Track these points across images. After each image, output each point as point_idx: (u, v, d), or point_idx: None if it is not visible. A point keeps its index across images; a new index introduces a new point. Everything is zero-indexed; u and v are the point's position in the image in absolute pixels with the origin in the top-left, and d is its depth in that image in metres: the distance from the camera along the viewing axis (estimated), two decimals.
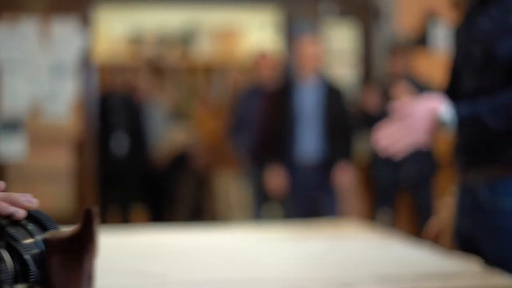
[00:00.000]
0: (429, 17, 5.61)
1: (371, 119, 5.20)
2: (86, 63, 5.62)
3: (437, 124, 1.86)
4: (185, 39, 8.30)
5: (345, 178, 4.85)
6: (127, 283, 1.52)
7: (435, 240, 2.85)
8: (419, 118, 1.86)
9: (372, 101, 5.16)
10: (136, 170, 6.06)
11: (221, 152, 6.21)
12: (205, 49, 8.25)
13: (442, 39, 5.56)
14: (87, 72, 5.64)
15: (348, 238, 2.14)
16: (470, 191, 2.00)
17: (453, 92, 2.08)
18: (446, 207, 2.75)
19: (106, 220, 5.58)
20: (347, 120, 4.97)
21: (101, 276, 0.97)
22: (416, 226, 5.13)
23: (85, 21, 5.61)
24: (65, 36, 5.53)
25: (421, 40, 5.57)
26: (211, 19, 8.43)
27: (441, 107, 1.86)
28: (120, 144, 5.93)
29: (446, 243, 2.60)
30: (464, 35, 2.05)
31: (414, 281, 1.49)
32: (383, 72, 5.55)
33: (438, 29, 5.60)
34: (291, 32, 5.68)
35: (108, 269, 1.56)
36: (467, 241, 2.08)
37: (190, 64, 8.20)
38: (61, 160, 5.60)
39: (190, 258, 1.84)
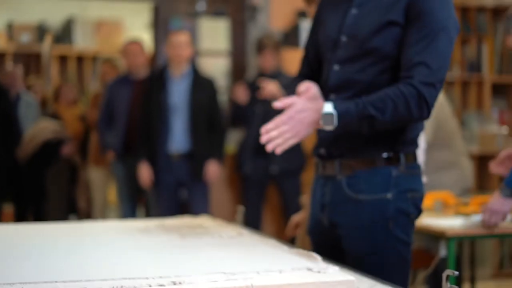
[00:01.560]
0: (299, 15, 5.67)
1: (240, 112, 5.21)
2: None
3: (319, 120, 1.87)
4: (61, 29, 8.17)
5: (214, 170, 4.82)
6: None
7: (293, 236, 2.88)
8: (304, 114, 1.87)
9: (240, 94, 5.15)
10: (2, 164, 5.73)
11: (87, 145, 6.03)
12: (80, 40, 8.12)
13: None
14: None
15: (193, 234, 2.10)
16: (333, 183, 2.02)
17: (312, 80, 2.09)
18: (306, 205, 2.78)
19: None
20: (218, 113, 4.92)
21: None
22: (283, 221, 5.17)
23: None
24: None
25: (292, 37, 5.62)
26: (88, 10, 8.37)
27: (325, 104, 1.87)
28: None
29: (303, 241, 2.62)
30: (332, 27, 2.04)
31: (245, 277, 1.46)
32: (255, 67, 5.56)
33: (307, 27, 5.66)
34: (166, 26, 5.57)
35: None
36: (325, 234, 2.09)
37: (63, 53, 8.06)
38: None
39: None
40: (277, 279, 1.49)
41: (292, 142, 1.87)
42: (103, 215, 6.04)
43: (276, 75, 5.12)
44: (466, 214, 3.04)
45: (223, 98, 5.38)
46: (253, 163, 5.12)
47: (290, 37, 5.62)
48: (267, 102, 5.04)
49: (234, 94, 5.23)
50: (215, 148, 4.84)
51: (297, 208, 5.09)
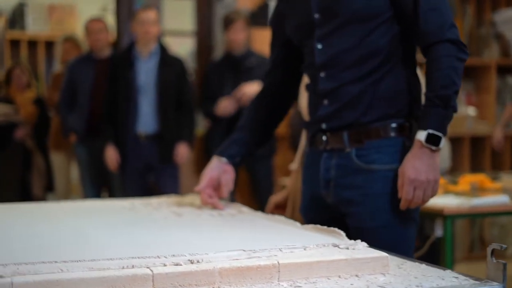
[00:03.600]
0: None
1: (210, 95, 5.02)
2: None
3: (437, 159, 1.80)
4: (13, 13, 7.93)
5: (184, 152, 4.62)
6: None
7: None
8: (426, 177, 1.78)
9: (225, 107, 4.90)
10: None
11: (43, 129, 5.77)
12: (32, 24, 7.90)
13: None
14: None
15: (189, 212, 1.93)
16: (340, 156, 1.90)
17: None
18: (289, 182, 2.64)
19: None
20: (187, 93, 4.72)
21: None
22: (254, 204, 5.03)
23: None
24: None
25: (260, 17, 5.45)
26: None
27: (424, 135, 1.78)
28: None
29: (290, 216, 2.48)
30: (300, 12, 1.96)
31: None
32: (222, 48, 5.37)
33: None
34: (131, 6, 5.34)
35: None
36: (325, 212, 1.96)
37: (15, 38, 7.81)
38: None
39: None
40: (304, 256, 1.33)
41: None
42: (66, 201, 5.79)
43: (246, 55, 4.93)
44: (456, 193, 2.95)
45: (191, 77, 5.18)
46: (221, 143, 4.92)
47: (258, 17, 5.45)
48: (237, 84, 4.87)
49: (218, 107, 4.92)
50: (184, 130, 4.64)
51: (269, 190, 4.95)
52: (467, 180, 3.10)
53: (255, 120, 2.15)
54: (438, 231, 2.70)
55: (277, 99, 2.16)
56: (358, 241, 1.44)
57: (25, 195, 5.88)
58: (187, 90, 4.71)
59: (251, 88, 4.65)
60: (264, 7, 5.45)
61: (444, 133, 1.77)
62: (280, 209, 2.62)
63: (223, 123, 4.86)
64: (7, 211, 2.04)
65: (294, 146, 4.66)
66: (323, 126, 1.93)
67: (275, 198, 2.64)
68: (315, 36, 1.92)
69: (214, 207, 2.00)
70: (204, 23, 5.52)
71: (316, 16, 1.91)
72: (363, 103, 1.86)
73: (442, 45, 1.78)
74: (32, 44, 7.99)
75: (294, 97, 2.22)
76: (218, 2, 5.49)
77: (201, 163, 5.31)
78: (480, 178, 3.24)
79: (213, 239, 1.52)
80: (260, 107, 2.16)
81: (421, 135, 1.76)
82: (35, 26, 7.99)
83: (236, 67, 4.90)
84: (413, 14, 1.80)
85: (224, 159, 2.11)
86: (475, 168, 5.61)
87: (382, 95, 1.86)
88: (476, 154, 5.79)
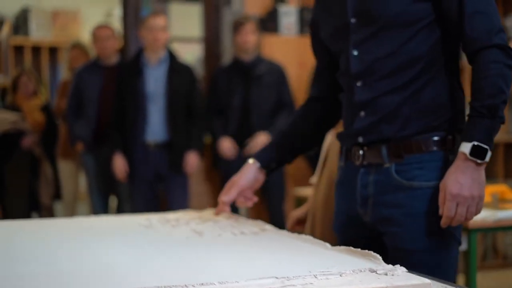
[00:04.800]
0: (277, 0, 5.44)
1: (217, 102, 4.94)
2: None
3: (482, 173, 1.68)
4: (17, 20, 7.90)
5: (194, 161, 4.53)
6: None
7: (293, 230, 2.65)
8: (471, 194, 1.67)
9: (226, 149, 4.81)
10: None
11: (51, 137, 5.69)
12: (36, 30, 7.88)
13: (288, 22, 5.40)
14: None
15: (210, 231, 1.84)
16: (379, 172, 1.79)
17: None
18: (311, 198, 2.55)
19: None
20: (197, 102, 4.63)
21: None
22: (265, 214, 4.94)
23: None
24: None
25: (269, 22, 5.37)
26: (44, 0, 8.20)
27: (469, 149, 1.66)
28: None
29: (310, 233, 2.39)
30: (335, 17, 1.85)
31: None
32: (230, 54, 5.29)
33: (285, 11, 5.43)
34: (137, 12, 5.26)
35: None
36: (361, 230, 1.85)
37: (19, 44, 7.78)
38: None
39: None
40: (341, 283, 1.24)
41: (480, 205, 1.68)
42: (73, 210, 5.70)
43: (255, 61, 4.84)
44: None
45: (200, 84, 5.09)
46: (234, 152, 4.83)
47: (267, 23, 5.36)
48: (245, 92, 4.79)
49: (219, 147, 4.82)
50: (194, 138, 4.55)
51: (280, 199, 4.86)
52: (488, 191, 3.01)
53: (298, 127, 2.05)
54: (463, 245, 2.61)
55: (323, 107, 2.04)
56: (397, 266, 1.35)
57: (33, 203, 5.80)
58: (197, 98, 4.62)
59: (262, 139, 4.58)
60: (273, 13, 5.36)
61: (491, 145, 1.65)
62: (302, 224, 2.53)
63: (232, 133, 4.78)
64: (21, 230, 1.95)
65: (307, 156, 4.58)
66: (360, 139, 1.82)
67: (296, 213, 2.54)
68: (350, 42, 1.81)
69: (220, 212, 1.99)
70: (212, 29, 5.44)
71: (353, 20, 1.80)
72: (403, 115, 1.74)
73: (490, 51, 1.66)
74: (36, 50, 7.95)
75: (341, 105, 2.05)
76: (226, 8, 5.41)
77: (211, 172, 5.23)
78: (501, 189, 3.14)
79: (241, 262, 1.43)
80: (305, 114, 2.05)
81: (466, 147, 1.64)
82: (39, 32, 7.96)
83: (245, 73, 4.80)
84: (458, 18, 1.69)
85: (258, 164, 2.02)
86: (509, 175, 5.50)
87: (423, 106, 1.74)
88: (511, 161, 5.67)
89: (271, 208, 4.84)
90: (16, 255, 1.53)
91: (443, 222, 1.68)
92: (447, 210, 1.65)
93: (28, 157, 5.69)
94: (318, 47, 2.01)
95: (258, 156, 2.04)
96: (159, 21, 4.48)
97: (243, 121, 4.77)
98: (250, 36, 4.75)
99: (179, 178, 4.55)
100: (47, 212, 5.68)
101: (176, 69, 4.54)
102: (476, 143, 1.63)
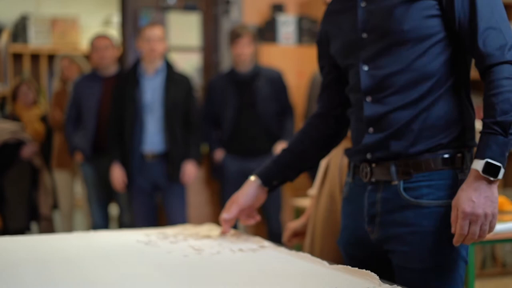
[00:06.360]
0: (275, 8, 5.45)
1: (213, 111, 4.95)
2: None
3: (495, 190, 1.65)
4: (15, 27, 7.90)
5: (191, 171, 4.53)
6: None
7: (291, 245, 2.65)
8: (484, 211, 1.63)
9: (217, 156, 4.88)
10: None
11: (50, 147, 5.68)
12: (35, 37, 7.89)
13: (287, 31, 5.42)
14: None
15: (208, 248, 1.84)
16: (386, 189, 1.77)
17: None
18: (308, 211, 2.55)
19: None
20: (194, 112, 4.63)
21: None
22: (261, 224, 4.95)
23: None
24: None
25: (267, 32, 5.38)
26: (42, 7, 8.20)
27: (480, 167, 1.63)
28: None
29: (311, 250, 2.39)
30: (346, 31, 1.84)
31: None
32: (229, 63, 5.30)
33: (284, 21, 5.44)
34: (136, 21, 5.27)
35: None
36: (366, 248, 1.84)
37: (18, 51, 7.79)
38: None
39: None
40: None
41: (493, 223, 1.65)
42: (71, 220, 5.70)
43: (254, 73, 4.85)
44: None
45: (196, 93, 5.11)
46: (231, 163, 4.84)
47: (266, 32, 5.38)
48: (240, 102, 4.80)
49: (214, 158, 4.88)
50: (191, 148, 4.56)
51: (277, 209, 4.87)
52: None
53: (302, 144, 2.02)
54: None
55: (328, 124, 2.02)
56: (395, 285, 1.36)
57: (32, 213, 5.79)
58: (194, 108, 4.63)
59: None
60: (271, 22, 5.38)
61: (504, 162, 1.62)
62: (299, 236, 2.53)
63: (227, 142, 4.81)
64: (18, 248, 1.96)
65: None
66: (368, 156, 1.79)
67: (293, 224, 2.54)
68: (360, 57, 1.79)
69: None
70: (210, 38, 5.46)
71: (364, 35, 1.78)
72: (412, 132, 1.72)
73: (502, 67, 1.64)
74: (35, 57, 7.95)
75: (348, 122, 2.01)
76: (225, 17, 5.43)
77: (208, 182, 5.24)
78: (500, 200, 3.13)
79: (242, 284, 1.44)
80: (309, 131, 2.03)
81: (478, 165, 1.61)
82: (38, 40, 7.97)
83: (241, 85, 4.83)
84: (471, 33, 1.67)
85: (260, 181, 2.01)
86: (508, 184, 5.49)
87: (433, 123, 1.72)
88: None
89: (268, 218, 4.84)
90: (14, 279, 1.54)
91: (456, 240, 1.65)
92: (460, 229, 1.62)
93: (28, 167, 5.68)
94: (325, 63, 1.99)
95: (260, 174, 2.02)
96: (156, 31, 4.49)
97: (237, 132, 4.80)
98: (246, 49, 4.77)
99: (176, 188, 4.56)
100: (47, 222, 5.68)
101: (173, 79, 4.55)
102: (488, 160, 1.60)
